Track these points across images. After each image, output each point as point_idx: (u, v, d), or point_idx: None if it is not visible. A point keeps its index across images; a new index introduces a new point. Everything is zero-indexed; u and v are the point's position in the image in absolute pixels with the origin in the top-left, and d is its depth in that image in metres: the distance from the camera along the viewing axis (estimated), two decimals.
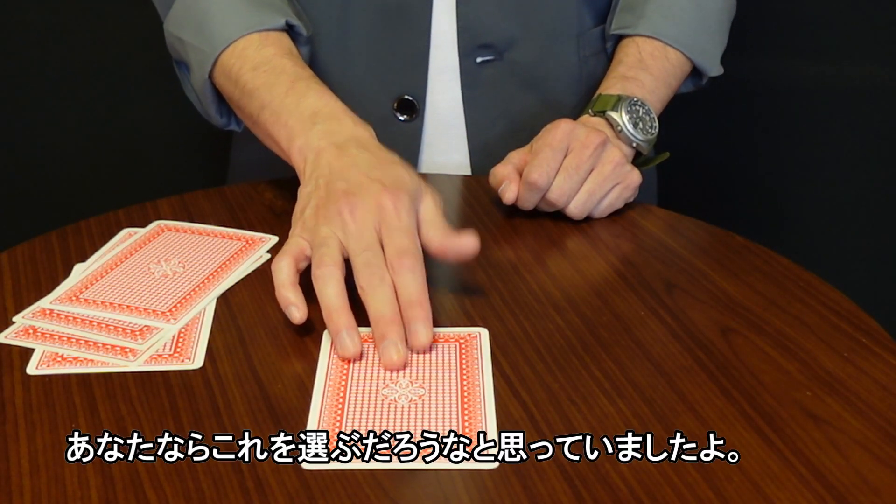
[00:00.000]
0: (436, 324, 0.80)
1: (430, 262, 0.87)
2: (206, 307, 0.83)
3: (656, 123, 1.01)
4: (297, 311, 0.78)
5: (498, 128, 1.12)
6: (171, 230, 0.93)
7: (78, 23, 1.63)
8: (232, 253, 0.90)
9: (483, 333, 0.80)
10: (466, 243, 0.82)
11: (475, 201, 1.00)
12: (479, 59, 1.09)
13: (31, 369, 0.76)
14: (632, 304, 0.84)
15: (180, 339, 0.79)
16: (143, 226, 0.94)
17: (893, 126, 1.57)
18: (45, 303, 0.82)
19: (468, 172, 1.13)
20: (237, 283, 0.86)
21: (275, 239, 0.92)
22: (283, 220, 0.96)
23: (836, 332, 0.80)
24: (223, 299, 0.84)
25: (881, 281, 1.64)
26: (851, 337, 0.80)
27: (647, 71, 1.05)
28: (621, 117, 0.99)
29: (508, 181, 0.95)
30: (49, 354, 0.77)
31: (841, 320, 0.82)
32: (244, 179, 1.17)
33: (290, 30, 1.02)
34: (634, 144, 1.00)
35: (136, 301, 0.83)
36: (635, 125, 1.00)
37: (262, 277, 0.87)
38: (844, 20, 1.53)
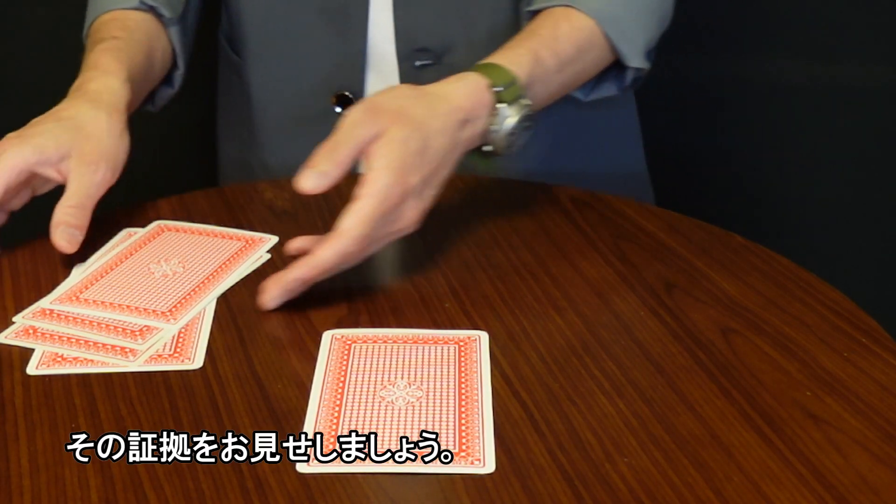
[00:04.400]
0: (435, 325, 0.81)
1: (429, 262, 0.87)
2: (206, 307, 0.83)
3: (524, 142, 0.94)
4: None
5: None
6: (171, 230, 0.93)
7: (78, 22, 1.63)
8: (232, 253, 0.90)
9: (483, 336, 0.80)
10: (61, 244, 0.85)
11: (475, 201, 1.00)
12: (417, 63, 1.10)
13: (31, 369, 0.76)
14: (632, 304, 0.84)
15: (180, 340, 0.79)
16: (143, 226, 0.94)
17: (893, 126, 1.57)
18: (45, 303, 0.82)
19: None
20: (237, 283, 0.86)
21: (275, 239, 0.92)
22: (282, 219, 0.96)
23: (836, 332, 0.80)
24: (223, 299, 0.84)
25: (881, 281, 1.64)
26: (851, 337, 0.80)
27: (556, 50, 0.96)
28: (511, 121, 0.90)
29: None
30: (49, 354, 0.77)
31: (841, 320, 0.82)
32: (230, 178, 1.18)
33: (151, 10, 1.05)
34: (486, 148, 0.91)
35: (136, 301, 0.83)
36: (512, 135, 0.91)
37: (262, 278, 0.87)
38: (844, 20, 1.53)
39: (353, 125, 0.83)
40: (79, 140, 0.89)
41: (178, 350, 0.78)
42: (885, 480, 0.66)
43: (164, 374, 0.75)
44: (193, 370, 0.76)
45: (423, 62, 1.10)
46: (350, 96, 1.11)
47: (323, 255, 0.81)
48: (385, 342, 0.79)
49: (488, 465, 0.67)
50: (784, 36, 1.56)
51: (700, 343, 0.79)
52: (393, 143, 0.83)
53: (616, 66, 1.03)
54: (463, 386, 0.74)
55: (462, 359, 0.77)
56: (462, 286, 0.86)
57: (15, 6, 1.60)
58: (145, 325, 0.80)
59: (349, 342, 0.79)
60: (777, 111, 1.60)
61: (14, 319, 0.81)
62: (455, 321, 0.82)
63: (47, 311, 0.81)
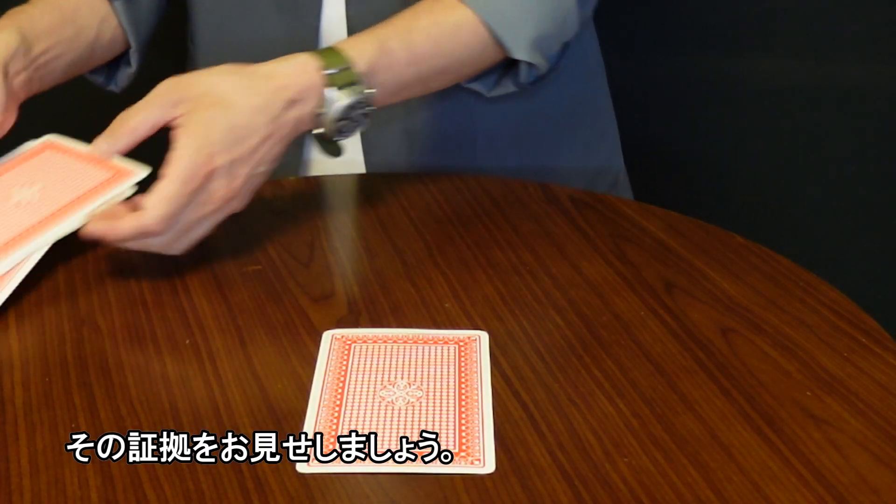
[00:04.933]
0: (435, 325, 0.81)
1: (429, 262, 0.87)
2: (34, 252, 0.80)
3: (358, 132, 0.93)
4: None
5: (392, 125, 1.09)
6: (57, 149, 0.89)
7: None
8: (97, 183, 0.85)
9: (483, 336, 0.80)
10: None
11: (475, 201, 1.00)
12: None
13: None
14: (632, 304, 0.84)
15: None
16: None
17: (893, 126, 1.57)
18: None
19: (362, 170, 1.10)
20: (237, 281, 0.86)
21: (146, 171, 0.86)
22: (283, 218, 0.96)
23: (836, 332, 0.80)
24: (223, 299, 0.84)
25: (881, 281, 1.64)
26: (851, 337, 0.80)
27: (408, 41, 0.94)
28: (339, 105, 0.89)
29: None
30: None
31: (841, 320, 0.82)
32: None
33: None
34: (316, 131, 0.91)
35: None
36: (341, 120, 0.90)
37: (261, 277, 0.87)
38: (844, 20, 1.53)
39: (151, 104, 0.86)
40: None
41: None
42: (885, 480, 0.66)
43: (164, 374, 0.75)
44: None
45: None
46: None
47: (121, 225, 0.83)
48: (385, 342, 0.79)
49: (488, 465, 0.67)
50: (784, 36, 1.56)
51: (700, 343, 0.79)
52: (196, 124, 0.84)
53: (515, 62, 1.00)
54: (463, 386, 0.74)
55: (462, 359, 0.77)
56: (462, 286, 0.86)
57: (15, 6, 1.60)
58: None
59: (349, 342, 0.79)
60: (777, 111, 1.60)
61: None
62: (455, 321, 0.82)
63: None
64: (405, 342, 0.79)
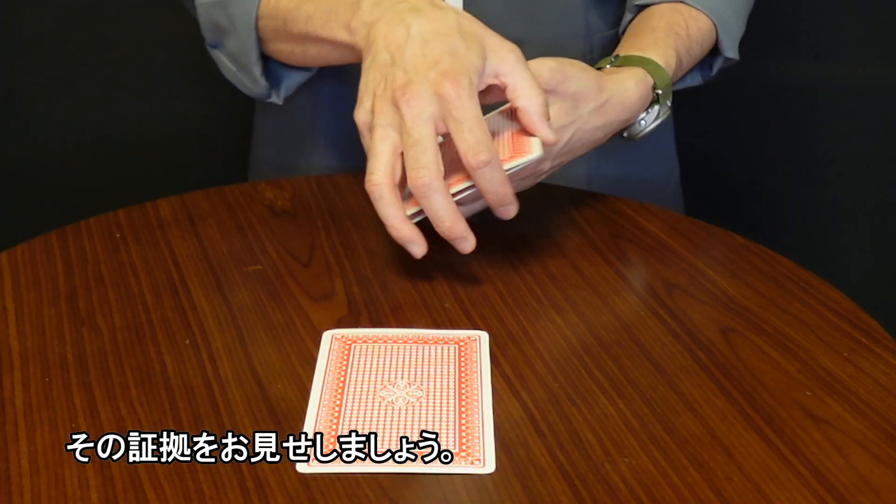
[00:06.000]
0: (435, 325, 0.81)
1: (429, 262, 0.87)
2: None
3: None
4: (418, 248, 0.82)
5: None
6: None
7: (78, 22, 1.63)
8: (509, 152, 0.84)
9: (483, 336, 0.80)
10: (545, 134, 0.82)
11: None
12: None
13: None
14: (632, 304, 0.84)
15: None
16: (144, 226, 0.94)
17: (894, 126, 1.57)
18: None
19: None
20: (237, 281, 0.86)
21: (540, 152, 0.83)
22: (282, 219, 0.96)
23: (836, 332, 0.80)
24: (223, 299, 0.84)
25: (881, 281, 1.64)
26: (851, 337, 0.80)
27: (690, 52, 1.01)
28: (655, 123, 0.97)
29: None
30: None
31: (841, 320, 0.82)
32: (265, 177, 1.16)
33: None
34: (625, 135, 0.97)
35: None
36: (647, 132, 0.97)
37: (261, 277, 0.87)
38: (844, 20, 1.53)
39: (539, 74, 0.85)
40: (481, 45, 0.84)
41: None
42: (885, 480, 0.66)
43: (164, 374, 0.75)
44: None
45: None
46: None
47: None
48: (385, 342, 0.79)
49: (488, 465, 0.67)
50: (784, 36, 1.56)
51: (700, 343, 0.79)
52: (558, 126, 0.87)
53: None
54: (463, 386, 0.74)
55: (462, 359, 0.77)
56: (462, 286, 0.86)
57: (15, 6, 1.60)
58: None
59: (349, 342, 0.79)
60: (777, 111, 1.60)
61: None
62: (455, 321, 0.82)
63: None
64: (405, 342, 0.79)
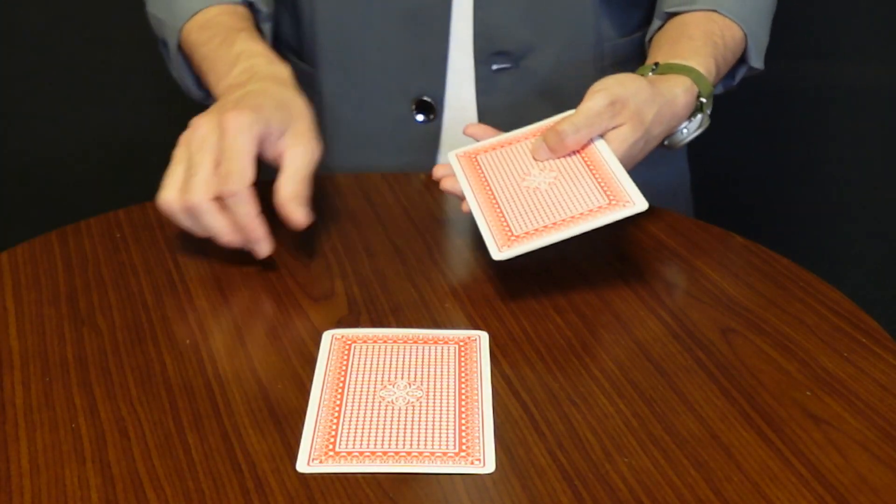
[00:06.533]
0: (435, 325, 0.81)
1: (429, 262, 0.87)
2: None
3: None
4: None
5: None
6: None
7: (78, 23, 1.64)
8: (595, 207, 0.85)
9: (483, 336, 0.80)
10: (296, 217, 0.85)
11: None
12: (494, 67, 1.09)
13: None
14: (632, 304, 0.84)
15: None
16: (144, 226, 0.94)
17: (894, 126, 1.57)
18: None
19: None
20: (237, 281, 0.86)
21: (644, 206, 0.84)
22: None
23: (836, 332, 0.80)
24: (223, 299, 0.84)
25: (881, 281, 1.64)
26: (851, 337, 0.80)
27: (726, 60, 1.03)
28: (697, 132, 0.98)
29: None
30: None
31: (841, 320, 0.82)
32: (265, 177, 1.16)
33: (249, 6, 1.05)
34: (665, 143, 0.98)
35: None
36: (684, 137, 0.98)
37: (261, 277, 0.87)
38: (844, 20, 1.53)
39: (597, 114, 0.89)
40: (292, 118, 0.89)
41: None
42: (885, 480, 0.66)
43: (164, 375, 0.75)
44: None
45: (500, 66, 1.10)
46: (430, 102, 1.10)
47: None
48: (385, 342, 0.79)
49: (488, 465, 0.67)
50: (784, 36, 1.56)
51: (700, 343, 0.79)
52: (622, 141, 0.90)
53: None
54: (463, 386, 0.74)
55: (462, 359, 0.77)
56: (462, 286, 0.86)
57: (15, 6, 1.60)
58: None
59: (349, 342, 0.79)
60: (778, 111, 1.61)
61: None
62: (455, 322, 0.82)
63: None
64: (405, 342, 0.79)
